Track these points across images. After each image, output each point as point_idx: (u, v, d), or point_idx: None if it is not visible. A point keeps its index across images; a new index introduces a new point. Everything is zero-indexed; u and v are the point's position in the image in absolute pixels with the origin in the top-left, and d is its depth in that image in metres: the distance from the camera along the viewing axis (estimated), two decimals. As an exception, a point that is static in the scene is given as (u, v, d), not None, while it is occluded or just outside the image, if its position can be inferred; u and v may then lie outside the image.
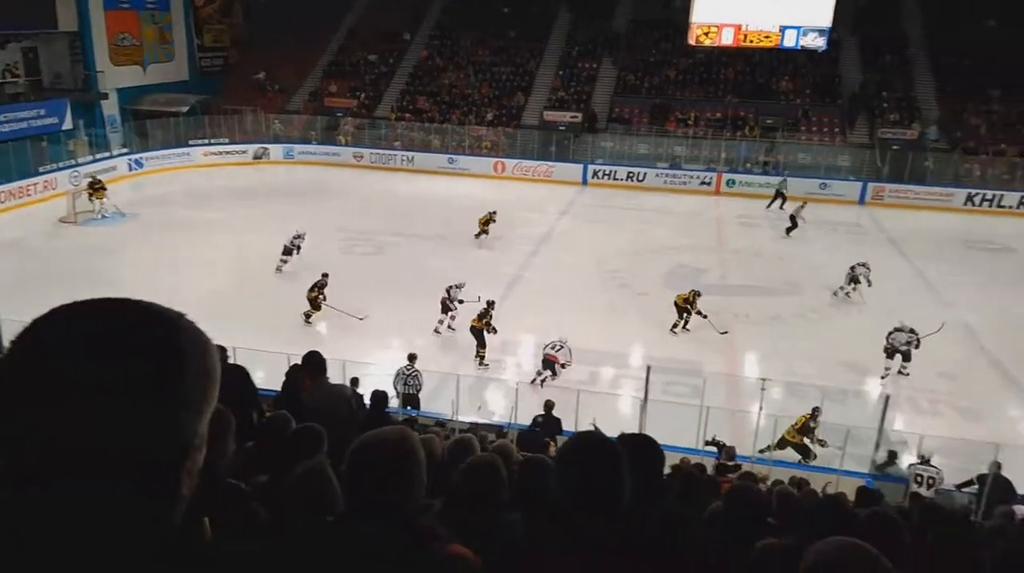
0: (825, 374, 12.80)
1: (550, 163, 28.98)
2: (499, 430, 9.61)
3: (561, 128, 30.12)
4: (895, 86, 29.69)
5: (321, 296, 14.63)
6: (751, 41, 28.52)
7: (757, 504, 3.23)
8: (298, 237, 17.42)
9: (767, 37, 28.25)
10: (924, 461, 9.50)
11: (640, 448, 2.58)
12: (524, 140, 29.96)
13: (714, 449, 9.76)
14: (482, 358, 13.32)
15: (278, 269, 17.22)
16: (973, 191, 25.84)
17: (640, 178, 28.21)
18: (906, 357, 13.03)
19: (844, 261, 18.49)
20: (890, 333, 13.16)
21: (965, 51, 29.43)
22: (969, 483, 9.45)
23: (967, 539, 3.91)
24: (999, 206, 25.47)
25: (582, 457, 2.03)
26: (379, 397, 7.11)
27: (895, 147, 27.42)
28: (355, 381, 9.28)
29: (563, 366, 12.81)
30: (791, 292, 17.46)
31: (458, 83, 32.65)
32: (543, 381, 12.55)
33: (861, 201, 26.01)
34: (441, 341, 14.28)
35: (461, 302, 14.30)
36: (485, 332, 13.24)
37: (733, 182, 27.55)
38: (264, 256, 17.65)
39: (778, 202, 24.59)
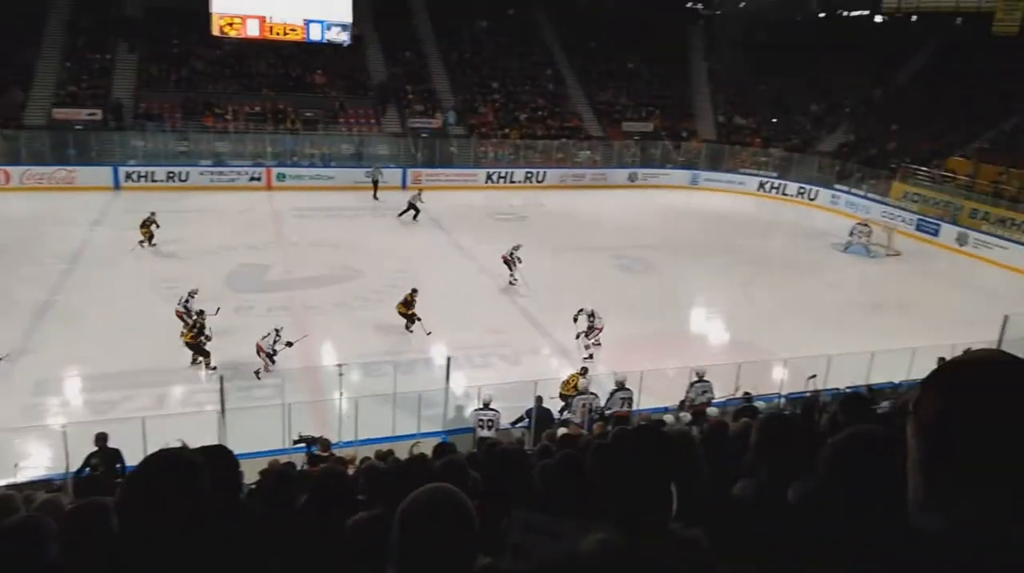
0: (395, 348, 13.68)
1: (70, 168, 25.19)
2: (49, 484, 8.14)
3: (78, 128, 26.35)
4: (417, 79, 32.74)
5: None
6: (277, 34, 28.56)
7: (342, 486, 3.31)
8: None
9: (293, 30, 28.58)
10: (484, 406, 10.85)
11: (211, 457, 2.42)
12: (31, 143, 25.48)
13: (304, 445, 9.70)
14: (207, 363, 13.08)
15: None
16: (491, 170, 30.04)
17: (183, 177, 26.30)
18: (588, 333, 14.37)
19: (397, 243, 19.72)
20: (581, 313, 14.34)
21: (467, 47, 33.90)
22: (520, 419, 11.10)
23: (521, 466, 4.60)
24: (511, 181, 30.07)
25: (151, 480, 1.82)
26: None
27: (424, 135, 30.39)
28: None
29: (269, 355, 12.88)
30: (352, 277, 18.18)
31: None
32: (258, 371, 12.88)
33: (403, 186, 28.18)
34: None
35: (201, 312, 13.43)
36: (202, 343, 13.14)
37: (284, 176, 27.46)
38: None
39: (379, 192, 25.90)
